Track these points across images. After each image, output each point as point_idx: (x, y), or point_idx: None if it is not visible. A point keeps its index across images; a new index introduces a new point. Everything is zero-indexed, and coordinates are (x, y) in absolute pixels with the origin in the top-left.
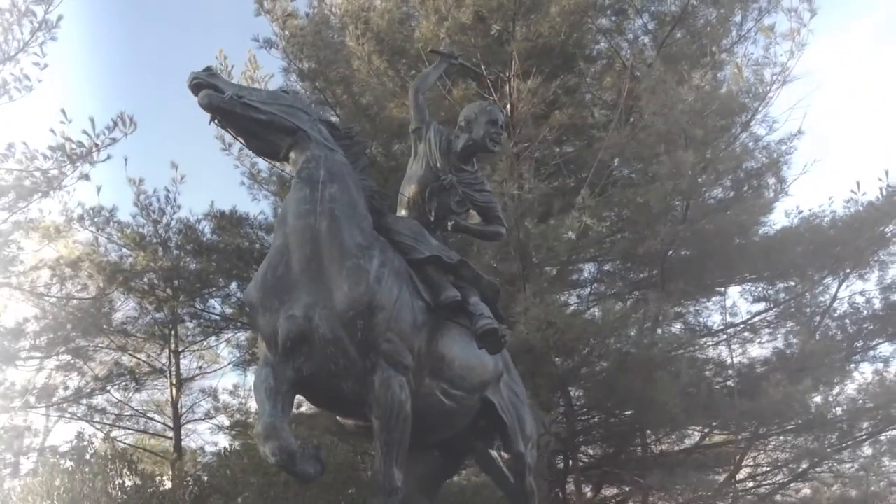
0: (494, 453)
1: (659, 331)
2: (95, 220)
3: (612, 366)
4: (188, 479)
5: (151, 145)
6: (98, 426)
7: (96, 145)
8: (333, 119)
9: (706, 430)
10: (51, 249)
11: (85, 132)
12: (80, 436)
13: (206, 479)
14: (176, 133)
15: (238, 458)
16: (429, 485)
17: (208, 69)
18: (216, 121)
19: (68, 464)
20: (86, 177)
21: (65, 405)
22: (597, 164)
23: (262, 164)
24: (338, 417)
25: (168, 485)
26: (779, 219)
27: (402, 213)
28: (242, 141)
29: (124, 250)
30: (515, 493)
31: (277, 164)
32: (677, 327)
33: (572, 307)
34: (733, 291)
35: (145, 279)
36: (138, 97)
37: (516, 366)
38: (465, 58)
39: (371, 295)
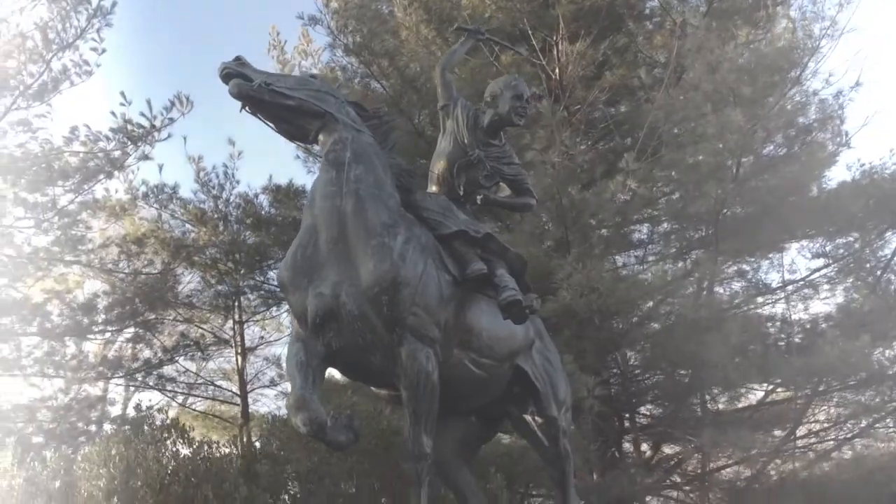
0: (529, 418)
1: (718, 289)
2: (159, 197)
3: (664, 327)
4: (241, 446)
5: (209, 123)
6: (170, 394)
7: (154, 126)
8: (377, 88)
9: (767, 388)
10: (118, 227)
11: (142, 114)
12: (138, 406)
13: (258, 445)
14: (232, 110)
15: (284, 425)
16: (466, 449)
17: (238, 58)
18: (246, 108)
19: (127, 432)
20: (146, 157)
21: (137, 375)
22: (647, 126)
23: None
24: (371, 388)
25: (225, 451)
26: (837, 174)
27: (433, 188)
28: (273, 126)
29: (187, 226)
30: (551, 456)
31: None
32: (733, 286)
33: (626, 270)
34: (791, 248)
35: (207, 253)
36: (194, 76)
37: (562, 330)
38: (493, 32)
39: (395, 271)
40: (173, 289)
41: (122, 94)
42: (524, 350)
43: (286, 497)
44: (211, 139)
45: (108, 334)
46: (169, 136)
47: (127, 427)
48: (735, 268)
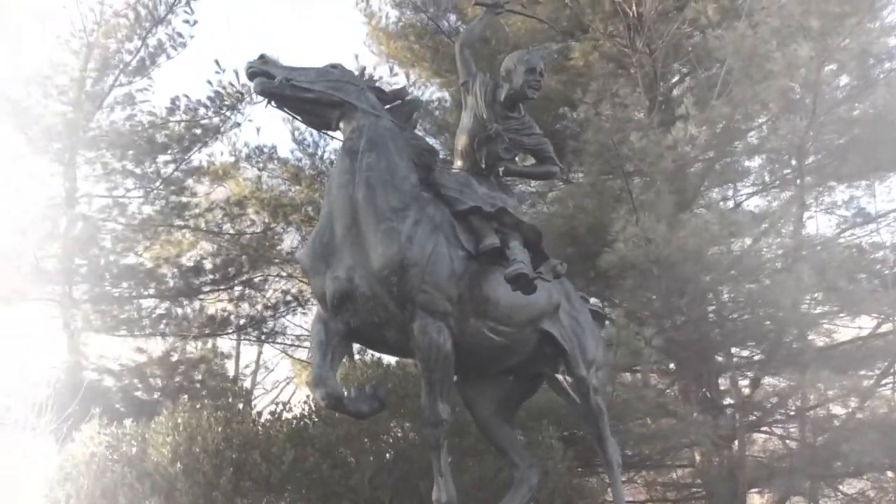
0: (560, 377)
1: (809, 220)
2: (259, 158)
3: (743, 270)
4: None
5: None
6: (279, 347)
7: (249, 91)
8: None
9: (879, 320)
10: (222, 190)
11: (232, 84)
12: (196, 383)
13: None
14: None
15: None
16: (505, 408)
17: (262, 57)
18: (271, 103)
19: (189, 401)
20: (237, 125)
21: (245, 332)
22: (717, 63)
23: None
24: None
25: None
26: None
27: (458, 163)
28: (298, 118)
29: (285, 185)
30: (584, 412)
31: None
32: (822, 220)
33: (693, 216)
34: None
35: (303, 211)
36: (286, 38)
37: (625, 281)
38: (512, 4)
39: (402, 254)
40: (275, 247)
41: (217, 62)
42: (549, 314)
43: (331, 461)
44: None
45: (216, 294)
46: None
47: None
48: (826, 199)
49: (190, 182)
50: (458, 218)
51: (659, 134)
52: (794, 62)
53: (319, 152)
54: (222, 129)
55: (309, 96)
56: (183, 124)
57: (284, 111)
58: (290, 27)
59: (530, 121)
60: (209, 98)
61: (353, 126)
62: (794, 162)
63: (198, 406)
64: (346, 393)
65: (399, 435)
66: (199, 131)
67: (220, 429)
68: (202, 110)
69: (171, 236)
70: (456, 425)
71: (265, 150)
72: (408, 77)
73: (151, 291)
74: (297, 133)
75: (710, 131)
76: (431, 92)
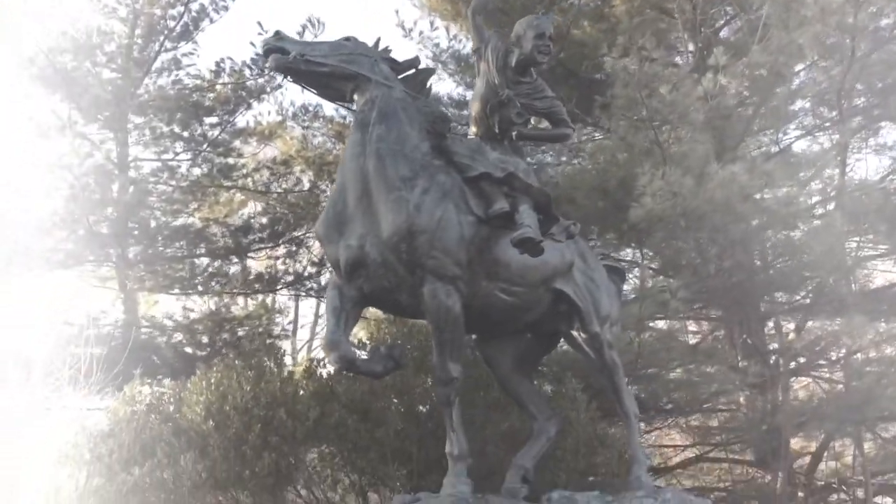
0: (576, 333)
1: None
2: (304, 117)
3: (779, 217)
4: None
5: None
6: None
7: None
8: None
9: None
10: (270, 149)
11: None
12: (238, 340)
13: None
14: (359, 27)
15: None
16: (524, 364)
17: (277, 33)
18: (287, 78)
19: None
20: (280, 86)
21: (293, 287)
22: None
23: (444, 44)
24: None
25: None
26: None
27: (472, 129)
28: (313, 91)
29: (330, 143)
30: (598, 367)
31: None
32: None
33: (722, 168)
34: None
35: None
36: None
37: (654, 234)
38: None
39: (410, 221)
40: (320, 204)
41: (259, 23)
42: (562, 273)
43: (357, 415)
44: None
45: (264, 251)
46: None
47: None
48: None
49: (237, 143)
50: (470, 184)
51: (689, 85)
52: (828, 7)
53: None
54: (268, 89)
55: (323, 70)
56: (229, 86)
57: (300, 85)
58: None
59: (542, 84)
60: (252, 60)
61: (366, 98)
62: (834, 110)
63: (231, 365)
64: (358, 354)
65: (425, 389)
66: (244, 93)
67: (248, 388)
68: (247, 72)
69: (219, 197)
70: (481, 380)
71: (310, 108)
72: (448, 31)
73: (202, 251)
74: None
75: (751, 78)
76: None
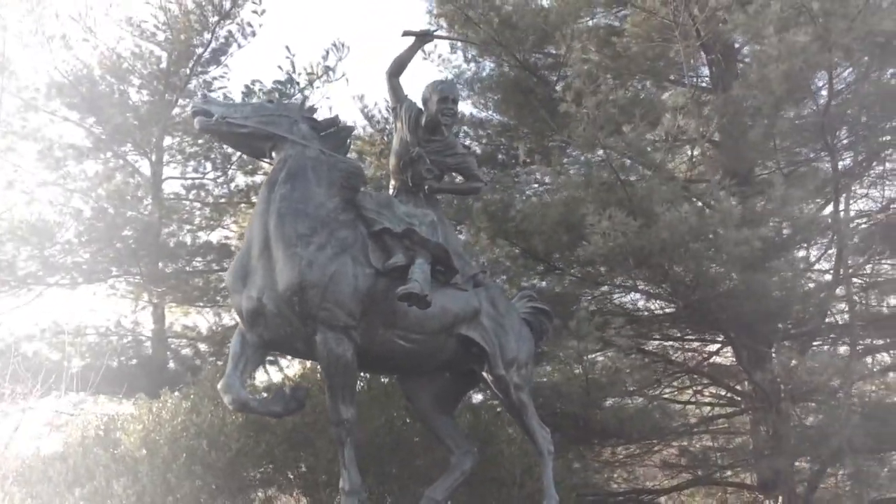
0: (486, 374)
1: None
2: None
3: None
4: None
5: (370, 62)
6: None
7: (317, 73)
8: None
9: None
10: None
11: (291, 73)
12: None
13: None
14: (388, 47)
15: None
16: (443, 401)
17: (204, 96)
18: (211, 138)
19: None
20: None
21: None
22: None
23: (464, 66)
24: None
25: None
26: None
27: (392, 181)
28: (236, 150)
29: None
30: (508, 407)
31: None
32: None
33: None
34: None
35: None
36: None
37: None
38: (443, 31)
39: (302, 277)
40: None
41: (287, 48)
42: (467, 320)
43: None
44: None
45: None
46: (344, 75)
47: None
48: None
49: (263, 163)
50: (374, 237)
51: (645, 127)
52: (793, 48)
53: (389, 128)
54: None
55: (243, 132)
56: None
57: (224, 143)
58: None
59: (454, 141)
60: (280, 82)
61: (280, 157)
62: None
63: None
64: (253, 397)
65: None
66: None
67: (179, 418)
68: (275, 94)
69: (246, 213)
70: None
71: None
72: (465, 54)
73: (226, 265)
74: (366, 110)
75: (722, 116)
76: None
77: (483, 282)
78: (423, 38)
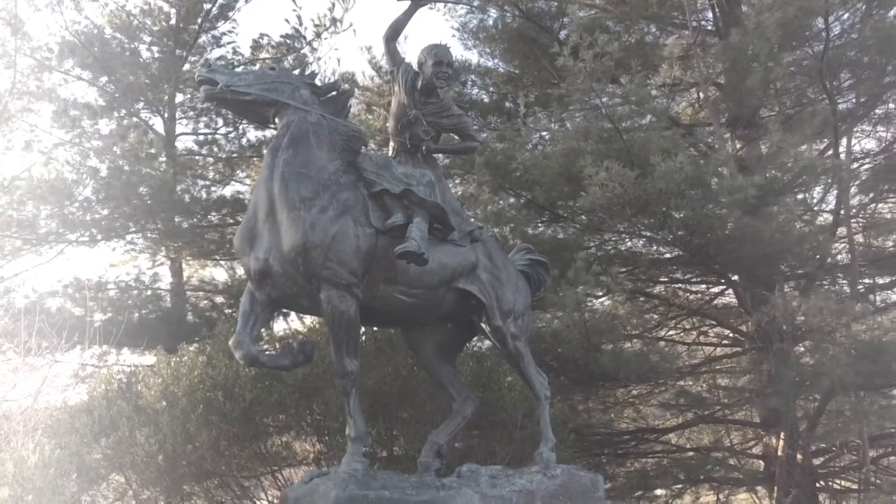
0: (484, 325)
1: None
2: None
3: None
4: None
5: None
6: None
7: (324, 25)
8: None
9: None
10: None
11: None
12: None
13: None
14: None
15: None
16: (446, 350)
17: (207, 63)
18: (216, 105)
19: None
20: (315, 57)
21: None
22: None
23: (469, 15)
24: None
25: None
26: None
27: (391, 143)
28: (240, 117)
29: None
30: (506, 356)
31: None
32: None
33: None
34: None
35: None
36: None
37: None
38: None
39: (305, 238)
40: None
41: (293, 0)
42: (465, 273)
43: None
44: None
45: None
46: (351, 25)
47: None
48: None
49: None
50: (374, 198)
51: (642, 77)
52: None
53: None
54: (310, 59)
55: (246, 98)
56: (268, 62)
57: (229, 111)
58: None
59: (449, 102)
60: (285, 35)
61: (283, 122)
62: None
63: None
64: (262, 352)
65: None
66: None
67: (196, 371)
68: (283, 47)
69: (258, 167)
70: None
71: (346, 78)
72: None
73: (240, 218)
74: (374, 61)
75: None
76: None
77: (480, 237)
78: (417, 2)
